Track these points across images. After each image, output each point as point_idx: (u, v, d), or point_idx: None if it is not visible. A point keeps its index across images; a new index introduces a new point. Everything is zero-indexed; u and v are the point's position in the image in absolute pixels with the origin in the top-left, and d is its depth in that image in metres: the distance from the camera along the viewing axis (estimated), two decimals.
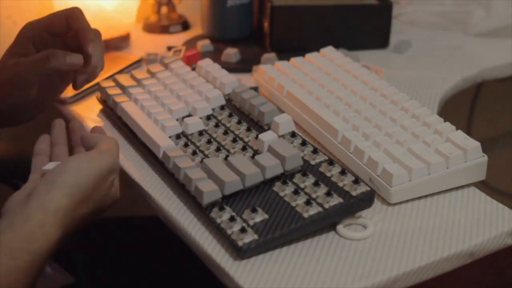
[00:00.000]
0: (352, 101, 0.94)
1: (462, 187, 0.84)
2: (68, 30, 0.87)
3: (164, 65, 1.04)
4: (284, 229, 0.73)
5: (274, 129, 0.87)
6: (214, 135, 0.88)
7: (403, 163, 0.81)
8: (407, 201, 0.81)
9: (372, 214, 0.79)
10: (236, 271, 0.71)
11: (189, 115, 0.92)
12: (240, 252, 0.72)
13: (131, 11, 1.26)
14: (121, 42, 1.24)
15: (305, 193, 0.77)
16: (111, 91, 0.98)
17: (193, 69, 1.03)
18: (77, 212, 0.71)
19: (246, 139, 0.87)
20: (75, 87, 0.88)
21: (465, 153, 0.83)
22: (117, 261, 1.01)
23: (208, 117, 0.92)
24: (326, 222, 0.75)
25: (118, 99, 0.96)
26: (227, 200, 0.77)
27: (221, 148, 0.86)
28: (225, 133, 0.88)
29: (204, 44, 1.20)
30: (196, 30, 1.31)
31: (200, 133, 0.89)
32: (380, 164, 0.81)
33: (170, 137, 0.88)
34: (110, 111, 0.98)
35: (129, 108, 0.94)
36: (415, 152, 0.83)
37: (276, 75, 1.02)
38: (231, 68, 1.06)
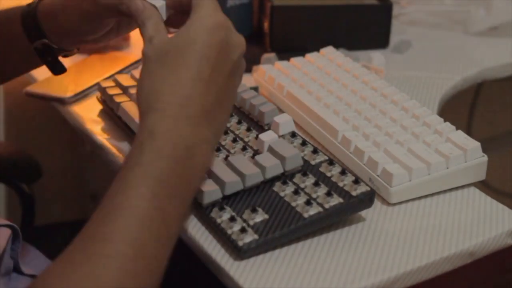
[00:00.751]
0: (352, 101, 0.94)
1: (462, 187, 0.84)
2: None
3: None
4: (284, 229, 0.73)
5: (274, 129, 0.87)
6: None
7: (403, 163, 0.81)
8: (407, 201, 0.81)
9: (372, 214, 0.79)
10: (236, 271, 0.71)
11: None
12: (240, 252, 0.72)
13: None
14: (121, 42, 1.24)
15: (305, 193, 0.77)
16: (111, 91, 0.98)
17: None
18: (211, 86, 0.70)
19: (246, 139, 0.87)
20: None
21: (465, 153, 0.83)
22: None
23: None
24: (326, 222, 0.75)
25: (118, 99, 0.96)
26: (227, 200, 0.77)
27: (221, 148, 0.86)
28: (225, 133, 0.88)
29: None
30: None
31: None
32: (380, 164, 0.81)
33: None
34: (110, 111, 0.98)
35: (129, 108, 0.94)
36: (415, 152, 0.83)
37: (276, 75, 1.02)
38: None
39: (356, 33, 1.20)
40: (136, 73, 1.02)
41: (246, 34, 1.25)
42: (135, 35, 1.30)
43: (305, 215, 0.74)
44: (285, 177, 0.80)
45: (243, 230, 0.73)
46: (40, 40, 0.87)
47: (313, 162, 0.82)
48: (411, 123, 0.88)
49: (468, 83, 1.15)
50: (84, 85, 1.08)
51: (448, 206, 0.81)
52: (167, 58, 0.71)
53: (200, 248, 0.75)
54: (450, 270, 0.74)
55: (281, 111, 0.96)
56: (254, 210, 0.75)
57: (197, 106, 0.69)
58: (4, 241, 0.78)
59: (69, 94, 1.05)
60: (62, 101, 1.05)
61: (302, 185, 0.78)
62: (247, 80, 1.07)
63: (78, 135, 1.03)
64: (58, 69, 0.91)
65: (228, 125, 0.90)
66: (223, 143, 0.87)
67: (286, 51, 1.15)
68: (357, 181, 0.77)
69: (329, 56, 1.06)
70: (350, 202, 0.76)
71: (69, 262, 0.61)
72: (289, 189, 0.78)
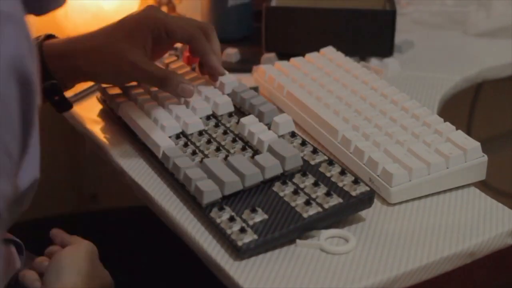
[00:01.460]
0: (352, 101, 0.94)
1: (462, 187, 0.84)
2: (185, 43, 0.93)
3: (164, 65, 1.04)
4: (284, 229, 0.73)
5: (274, 129, 0.87)
6: (214, 135, 0.88)
7: (403, 163, 0.81)
8: (407, 201, 0.81)
9: (372, 214, 0.79)
10: (236, 271, 0.71)
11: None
12: (239, 252, 0.72)
13: (131, 11, 1.26)
14: None
15: (305, 193, 0.77)
16: (111, 91, 0.98)
17: (193, 69, 1.02)
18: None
19: (245, 139, 0.87)
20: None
21: (465, 153, 0.83)
22: (116, 261, 1.00)
23: (208, 117, 0.92)
24: (326, 223, 0.75)
25: (118, 99, 0.96)
26: (227, 200, 0.77)
27: (220, 148, 0.86)
28: (225, 133, 0.88)
29: None
30: None
31: (200, 133, 0.89)
32: (380, 164, 0.81)
33: (170, 137, 0.88)
34: (110, 111, 0.98)
35: (129, 108, 0.94)
36: (415, 152, 0.83)
37: (276, 75, 1.02)
38: (231, 68, 1.06)
39: (356, 39, 1.14)
40: None
41: (246, 34, 1.26)
42: None
43: (305, 215, 0.74)
44: (284, 177, 0.80)
45: (242, 230, 0.73)
46: (49, 81, 0.87)
47: (312, 162, 0.82)
48: (411, 123, 0.88)
49: (468, 83, 1.15)
50: (84, 85, 1.07)
51: (448, 206, 0.81)
52: None
53: (200, 248, 0.75)
54: (450, 270, 0.74)
55: (281, 111, 0.96)
56: (253, 210, 0.75)
57: None
58: (17, 261, 0.80)
59: (69, 94, 1.05)
60: None
61: (301, 185, 0.78)
62: (247, 80, 1.07)
63: (78, 135, 1.03)
64: (64, 107, 0.92)
65: (228, 125, 0.90)
66: (222, 143, 0.87)
67: (282, 53, 1.13)
68: (356, 181, 0.77)
69: (329, 56, 1.06)
70: (350, 202, 0.76)
71: None
72: (289, 189, 0.78)
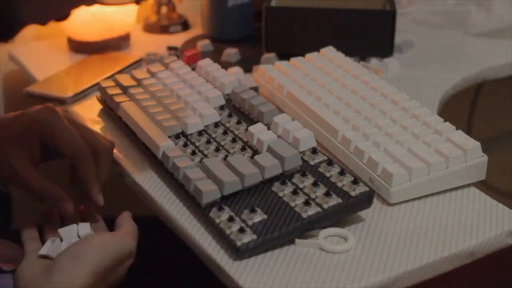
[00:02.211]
0: (352, 101, 0.94)
1: (462, 187, 0.83)
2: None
3: (164, 65, 1.04)
4: (283, 230, 0.73)
5: (274, 129, 0.87)
6: (213, 135, 0.88)
7: (403, 163, 0.81)
8: (407, 201, 0.81)
9: (372, 215, 0.79)
10: (235, 271, 0.71)
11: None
12: (238, 252, 0.72)
13: (131, 11, 1.26)
14: (121, 42, 1.24)
15: (304, 193, 0.77)
16: (111, 91, 0.98)
17: (193, 69, 1.03)
18: None
19: (245, 139, 0.87)
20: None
21: (465, 153, 0.83)
22: None
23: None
24: (325, 223, 0.75)
25: (118, 99, 0.96)
26: (226, 200, 0.77)
27: (220, 148, 0.86)
28: (225, 133, 0.88)
29: (204, 44, 1.20)
30: (196, 30, 1.31)
31: (200, 133, 0.89)
32: (380, 164, 0.81)
33: (169, 137, 0.88)
34: (110, 111, 0.98)
35: (129, 108, 0.94)
36: (415, 152, 0.83)
37: (276, 75, 1.02)
38: (231, 68, 1.06)
39: (356, 39, 1.14)
40: (136, 73, 1.02)
41: (246, 34, 1.26)
42: (135, 35, 1.30)
43: (304, 215, 0.74)
44: (284, 177, 0.80)
45: (241, 230, 0.73)
46: None
47: (312, 162, 0.82)
48: (411, 123, 0.88)
49: (468, 83, 1.15)
50: (84, 85, 1.08)
51: (448, 206, 0.81)
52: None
53: (200, 248, 0.75)
54: (450, 270, 0.74)
55: (281, 111, 0.96)
56: (253, 210, 0.75)
57: None
58: None
59: (69, 94, 1.05)
60: (62, 101, 1.05)
61: (301, 185, 0.78)
62: (247, 80, 1.07)
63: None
64: None
65: (228, 125, 0.90)
66: (222, 143, 0.87)
67: (282, 53, 1.13)
68: (356, 181, 0.77)
69: (329, 56, 1.06)
70: (349, 203, 0.75)
71: None
72: (288, 189, 0.78)
